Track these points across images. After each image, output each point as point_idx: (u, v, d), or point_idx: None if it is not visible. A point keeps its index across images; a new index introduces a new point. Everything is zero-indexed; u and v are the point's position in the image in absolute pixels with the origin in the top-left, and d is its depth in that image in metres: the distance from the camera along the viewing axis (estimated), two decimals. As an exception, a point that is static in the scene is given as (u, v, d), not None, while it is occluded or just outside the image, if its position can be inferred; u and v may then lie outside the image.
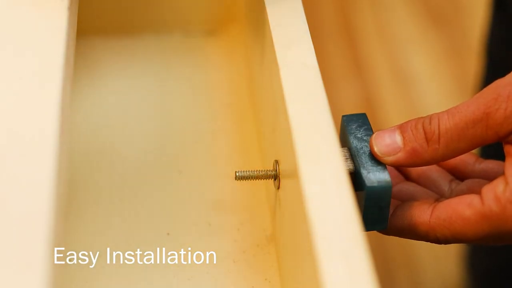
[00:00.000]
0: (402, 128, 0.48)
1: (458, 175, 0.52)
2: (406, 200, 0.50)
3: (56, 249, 0.36)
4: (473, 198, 0.46)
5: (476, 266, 1.09)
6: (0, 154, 0.38)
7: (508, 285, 1.00)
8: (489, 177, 0.47)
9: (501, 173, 0.46)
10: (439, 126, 0.46)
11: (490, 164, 0.51)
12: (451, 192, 0.51)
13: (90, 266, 0.51)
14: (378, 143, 0.47)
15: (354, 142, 0.48)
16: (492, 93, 0.46)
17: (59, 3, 0.46)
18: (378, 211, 0.47)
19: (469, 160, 0.52)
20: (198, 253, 0.52)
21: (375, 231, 0.50)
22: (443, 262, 1.32)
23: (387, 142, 0.47)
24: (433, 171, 0.52)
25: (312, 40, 0.48)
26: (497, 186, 0.45)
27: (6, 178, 0.37)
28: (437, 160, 0.47)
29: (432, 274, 1.33)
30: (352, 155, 0.48)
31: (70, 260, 0.51)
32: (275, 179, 0.48)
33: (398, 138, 0.47)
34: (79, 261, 0.51)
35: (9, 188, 0.37)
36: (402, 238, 0.52)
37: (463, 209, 0.46)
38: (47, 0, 0.46)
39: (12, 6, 0.46)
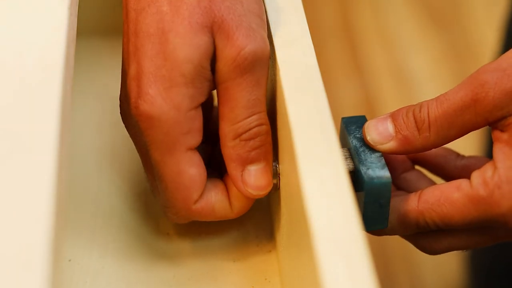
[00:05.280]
0: (393, 116, 0.48)
1: (440, 172, 0.52)
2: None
3: (56, 249, 0.36)
4: (461, 182, 0.46)
5: (477, 266, 1.09)
6: (0, 154, 0.38)
7: (510, 285, 1.00)
8: (471, 173, 0.47)
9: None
10: (428, 114, 0.47)
11: (472, 160, 0.52)
12: None
13: (90, 266, 0.51)
14: (371, 132, 0.48)
15: (354, 142, 0.48)
16: (480, 79, 0.46)
17: (59, 3, 0.46)
18: (378, 209, 0.47)
19: (450, 156, 0.52)
20: (199, 253, 0.52)
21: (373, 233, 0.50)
22: (444, 262, 1.32)
23: (379, 130, 0.48)
24: (413, 175, 0.53)
25: (312, 40, 0.48)
26: (486, 171, 0.46)
27: (6, 178, 0.37)
28: (428, 147, 0.48)
29: (432, 273, 1.33)
30: (351, 154, 0.48)
31: (70, 260, 0.52)
32: (275, 179, 0.48)
33: (390, 127, 0.48)
34: (79, 261, 0.51)
35: (9, 188, 0.37)
36: (403, 238, 0.52)
37: (452, 191, 0.46)
38: (47, 0, 0.46)
39: (12, 6, 0.46)
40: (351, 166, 0.48)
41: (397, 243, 1.36)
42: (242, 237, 0.53)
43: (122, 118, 0.49)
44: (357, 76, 1.65)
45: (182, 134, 0.46)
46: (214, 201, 0.48)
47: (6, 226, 0.35)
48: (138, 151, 0.49)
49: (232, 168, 0.47)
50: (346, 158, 0.48)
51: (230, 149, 0.46)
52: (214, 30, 0.45)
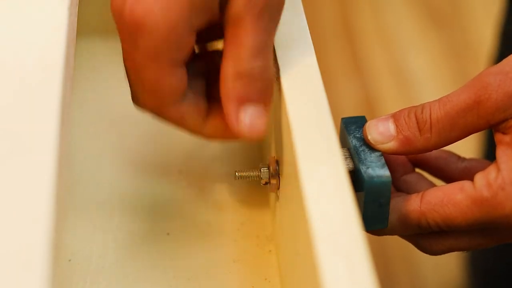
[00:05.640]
0: (395, 116, 0.48)
1: (441, 174, 0.52)
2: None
3: (56, 249, 0.36)
4: (464, 183, 0.46)
5: (477, 266, 1.09)
6: (0, 154, 0.38)
7: (510, 285, 1.00)
8: (472, 176, 0.47)
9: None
10: (430, 115, 0.47)
11: (473, 162, 0.52)
12: None
13: (90, 266, 0.51)
14: (372, 131, 0.48)
15: (353, 142, 0.48)
16: (483, 82, 0.46)
17: (59, 3, 0.46)
18: (378, 209, 0.47)
19: (451, 158, 0.52)
20: (198, 253, 0.52)
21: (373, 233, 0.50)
22: (444, 262, 1.32)
23: (380, 130, 0.48)
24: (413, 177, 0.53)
25: (312, 40, 0.48)
26: (490, 173, 0.46)
27: (6, 178, 0.37)
28: (429, 149, 0.48)
29: (432, 274, 1.33)
30: (351, 154, 0.48)
31: (70, 260, 0.52)
32: (275, 179, 0.48)
33: (391, 127, 0.48)
34: (79, 261, 0.52)
35: (9, 188, 0.37)
36: (403, 238, 0.52)
37: (455, 193, 0.46)
38: (47, 0, 0.46)
39: (12, 6, 0.46)
40: (351, 166, 0.48)
41: (397, 243, 1.36)
42: (242, 237, 0.53)
43: (112, 13, 0.46)
44: (357, 76, 1.65)
45: (170, 50, 0.43)
46: (185, 112, 0.46)
47: (6, 226, 0.35)
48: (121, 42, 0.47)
49: (229, 108, 0.45)
50: (346, 158, 0.48)
51: (230, 89, 0.44)
52: None
